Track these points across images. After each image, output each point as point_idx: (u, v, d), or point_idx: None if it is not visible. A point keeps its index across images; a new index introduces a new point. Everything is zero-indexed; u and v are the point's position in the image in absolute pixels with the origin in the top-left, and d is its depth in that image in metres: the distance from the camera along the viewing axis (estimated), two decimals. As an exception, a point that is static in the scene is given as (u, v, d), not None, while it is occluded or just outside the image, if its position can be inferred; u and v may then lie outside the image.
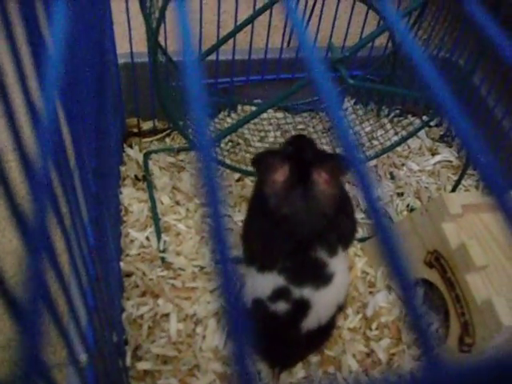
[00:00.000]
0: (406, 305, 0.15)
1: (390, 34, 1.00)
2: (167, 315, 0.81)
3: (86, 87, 0.58)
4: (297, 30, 0.21)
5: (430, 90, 0.20)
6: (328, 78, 0.20)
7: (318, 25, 1.01)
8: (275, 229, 0.67)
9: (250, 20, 0.92)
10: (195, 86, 0.19)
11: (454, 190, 0.98)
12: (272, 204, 0.67)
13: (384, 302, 0.83)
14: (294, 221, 0.67)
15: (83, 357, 0.49)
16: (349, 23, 1.02)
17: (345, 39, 1.04)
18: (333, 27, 1.02)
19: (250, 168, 0.97)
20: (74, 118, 0.47)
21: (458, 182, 0.97)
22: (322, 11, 0.99)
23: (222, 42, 0.95)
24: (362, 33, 1.03)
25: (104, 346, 0.60)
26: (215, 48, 0.96)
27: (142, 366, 0.76)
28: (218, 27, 0.96)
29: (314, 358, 0.78)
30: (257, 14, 0.91)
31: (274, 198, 0.67)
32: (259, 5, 0.91)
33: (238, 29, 0.94)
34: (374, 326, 0.81)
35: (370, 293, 0.86)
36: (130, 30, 0.91)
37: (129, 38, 0.93)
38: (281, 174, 0.66)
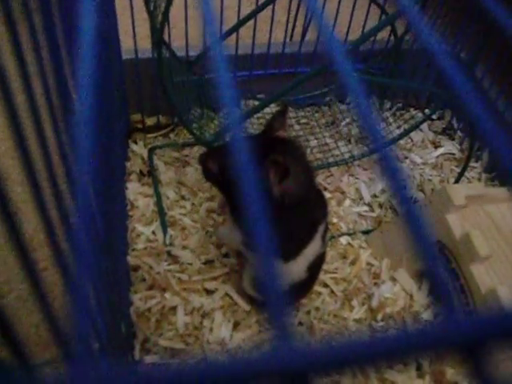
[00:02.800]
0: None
1: (392, 27, 1.00)
2: (174, 308, 0.82)
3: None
4: (318, 23, 0.22)
5: (446, 79, 0.21)
6: (352, 69, 0.20)
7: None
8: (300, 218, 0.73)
9: (253, 15, 0.93)
10: (224, 75, 0.20)
11: (456, 182, 0.99)
12: (292, 199, 0.69)
13: (389, 293, 0.84)
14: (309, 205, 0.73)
15: (96, 346, 0.50)
16: (351, 17, 1.02)
17: (347, 33, 1.05)
18: (335, 21, 1.03)
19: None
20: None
21: (461, 174, 0.97)
22: (323, 5, 1.00)
23: (225, 36, 0.96)
24: (364, 27, 1.03)
25: (114, 338, 0.61)
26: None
27: (150, 359, 0.77)
28: (221, 23, 0.96)
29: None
30: (260, 8, 0.92)
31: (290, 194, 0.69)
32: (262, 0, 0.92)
33: (241, 23, 0.94)
34: (379, 316, 0.82)
35: (375, 284, 0.86)
36: (133, 26, 0.92)
37: (133, 34, 0.93)
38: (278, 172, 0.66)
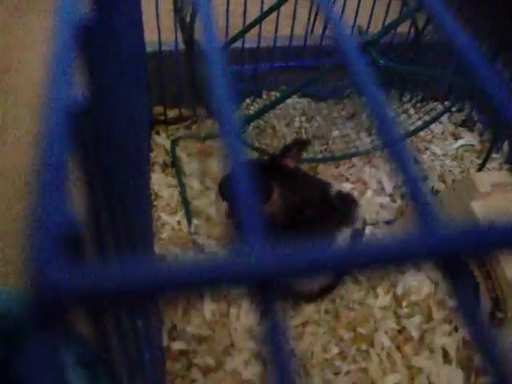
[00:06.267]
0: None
1: (413, 19, 1.01)
2: (201, 296, 0.82)
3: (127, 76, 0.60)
4: (329, 16, 0.23)
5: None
6: (362, 60, 0.21)
7: (342, 10, 1.03)
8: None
9: (275, 8, 0.94)
10: (219, 73, 0.20)
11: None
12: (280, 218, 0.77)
13: (414, 280, 0.85)
14: None
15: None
16: (372, 9, 1.03)
17: (368, 26, 1.05)
18: (356, 14, 1.04)
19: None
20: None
21: (483, 164, 0.98)
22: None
23: (247, 29, 0.97)
24: (385, 18, 1.04)
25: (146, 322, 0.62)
26: (240, 35, 0.98)
27: (178, 345, 0.78)
28: (245, 15, 0.97)
29: (346, 335, 0.79)
30: (281, 1, 0.92)
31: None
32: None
33: (263, 16, 0.95)
34: (404, 304, 0.83)
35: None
36: (158, 18, 0.93)
37: (157, 26, 0.94)
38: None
